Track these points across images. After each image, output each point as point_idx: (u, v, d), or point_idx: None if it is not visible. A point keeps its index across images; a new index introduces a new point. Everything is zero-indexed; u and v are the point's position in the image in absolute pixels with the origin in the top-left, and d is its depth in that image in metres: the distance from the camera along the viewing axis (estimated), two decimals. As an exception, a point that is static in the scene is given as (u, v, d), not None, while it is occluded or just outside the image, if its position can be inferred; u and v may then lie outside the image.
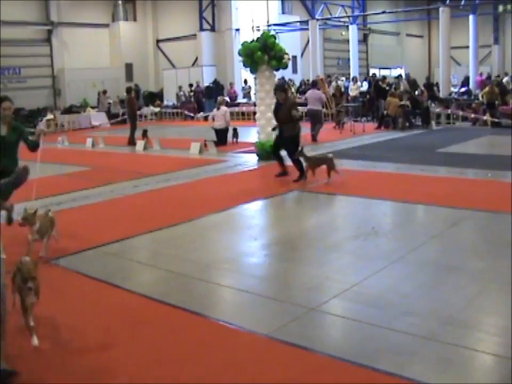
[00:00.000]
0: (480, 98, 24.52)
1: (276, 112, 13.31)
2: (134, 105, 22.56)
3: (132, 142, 21.00)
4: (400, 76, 28.64)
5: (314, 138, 19.73)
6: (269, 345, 4.99)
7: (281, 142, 13.15)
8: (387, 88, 25.85)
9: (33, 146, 8.99)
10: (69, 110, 32.99)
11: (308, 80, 34.04)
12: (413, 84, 26.52)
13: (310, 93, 20.98)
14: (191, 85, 34.97)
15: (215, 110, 20.94)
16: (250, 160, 16.00)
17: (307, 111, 20.75)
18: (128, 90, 22.91)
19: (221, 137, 19.63)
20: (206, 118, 27.66)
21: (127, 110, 23.54)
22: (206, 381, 4.47)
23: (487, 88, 24.34)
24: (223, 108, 20.45)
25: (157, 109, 34.97)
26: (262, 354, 4.87)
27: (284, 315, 5.58)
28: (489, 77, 33.74)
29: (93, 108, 33.41)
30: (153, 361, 4.83)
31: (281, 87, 13.81)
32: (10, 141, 8.86)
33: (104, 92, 33.97)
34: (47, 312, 5.94)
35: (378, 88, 25.96)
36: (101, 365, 4.81)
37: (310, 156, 12.59)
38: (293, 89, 31.21)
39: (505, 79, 30.31)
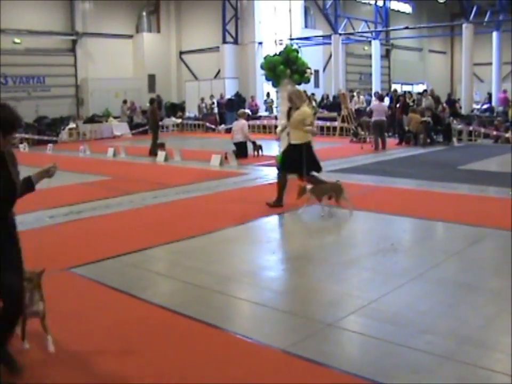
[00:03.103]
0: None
1: None
2: (157, 116, 22.72)
3: (153, 152, 21.12)
4: (425, 91, 28.54)
5: (384, 146, 21.86)
6: (286, 360, 4.99)
7: None
8: (411, 104, 25.78)
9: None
10: (91, 119, 33.21)
11: (330, 95, 34.05)
12: (437, 100, 26.43)
13: (376, 105, 22.63)
14: (212, 96, 35.04)
15: (235, 122, 20.87)
16: (271, 174, 15.98)
17: (373, 122, 22.21)
18: (151, 101, 23.05)
19: (241, 151, 19.57)
20: (227, 130, 27.69)
21: (149, 120, 23.70)
22: (222, 394, 4.47)
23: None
24: (242, 121, 20.24)
25: (179, 120, 35.16)
26: (279, 369, 4.86)
27: (300, 330, 5.57)
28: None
29: (115, 117, 33.62)
30: (169, 372, 4.84)
31: None
32: None
33: (125, 102, 34.25)
34: (63, 320, 5.98)
35: (402, 104, 25.88)
36: (116, 375, 4.82)
37: None
38: (314, 104, 31.28)
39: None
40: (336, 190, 10.68)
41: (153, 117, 22.35)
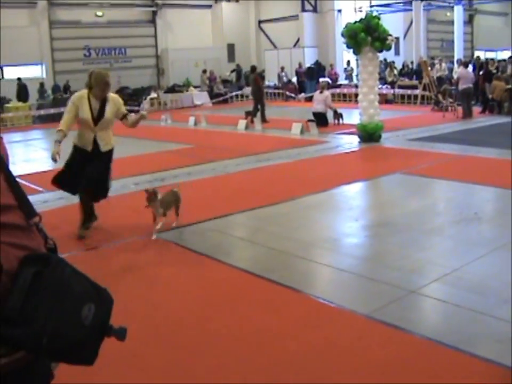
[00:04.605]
0: None
1: None
2: (260, 84, 22.81)
3: (264, 120, 21.39)
4: (510, 58, 27.64)
5: (470, 115, 21.25)
6: (369, 325, 5.06)
7: None
8: (494, 71, 25.07)
9: None
10: (172, 89, 33.62)
11: (412, 63, 33.49)
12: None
13: (464, 72, 21.89)
14: (282, 68, 34.92)
15: (317, 92, 20.80)
16: (352, 142, 15.95)
17: (461, 90, 21.50)
18: (253, 69, 23.24)
19: (320, 120, 19.49)
20: (307, 99, 27.57)
21: (252, 88, 23.53)
22: (303, 357, 4.57)
23: None
24: (325, 93, 20.28)
25: (259, 89, 35.16)
26: (362, 333, 4.94)
27: (383, 296, 5.62)
28: None
29: (195, 87, 33.92)
30: (251, 335, 4.98)
31: None
32: None
33: (204, 71, 34.48)
34: (148, 282, 6.21)
35: (485, 71, 25.20)
36: (198, 337, 4.99)
37: None
38: (395, 71, 30.82)
39: None
40: (177, 198, 8.34)
41: (256, 84, 22.41)
